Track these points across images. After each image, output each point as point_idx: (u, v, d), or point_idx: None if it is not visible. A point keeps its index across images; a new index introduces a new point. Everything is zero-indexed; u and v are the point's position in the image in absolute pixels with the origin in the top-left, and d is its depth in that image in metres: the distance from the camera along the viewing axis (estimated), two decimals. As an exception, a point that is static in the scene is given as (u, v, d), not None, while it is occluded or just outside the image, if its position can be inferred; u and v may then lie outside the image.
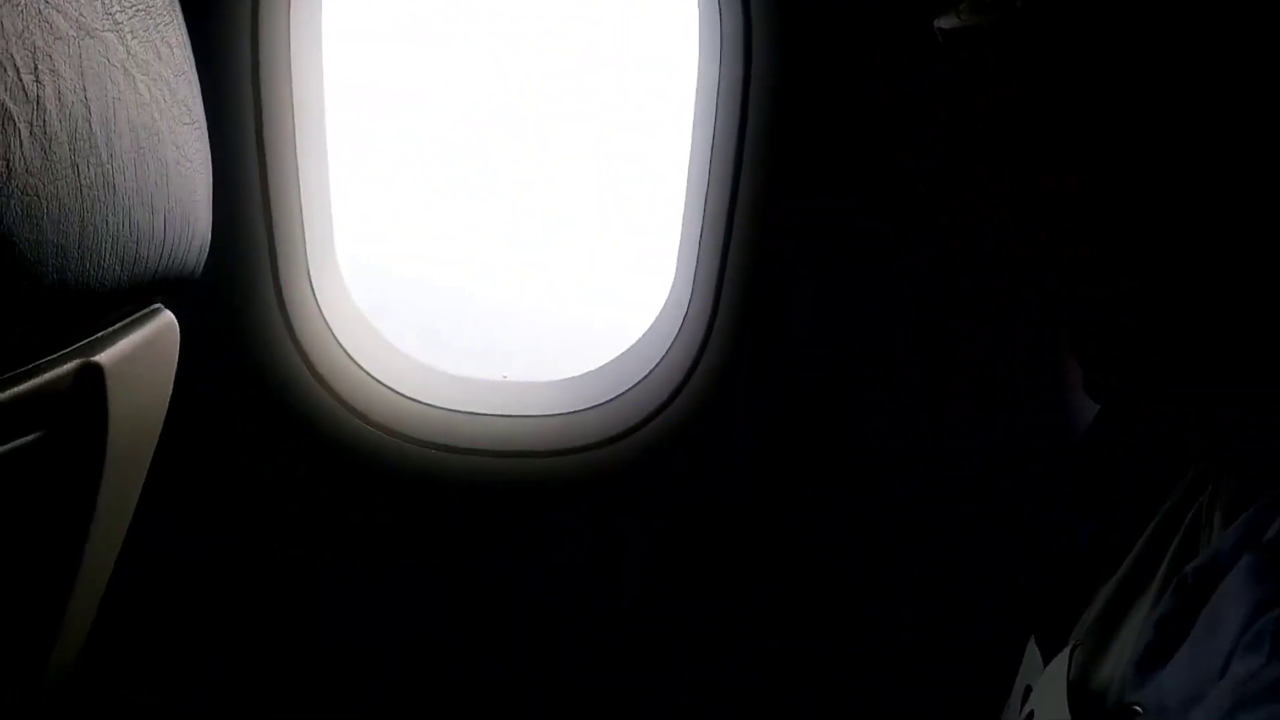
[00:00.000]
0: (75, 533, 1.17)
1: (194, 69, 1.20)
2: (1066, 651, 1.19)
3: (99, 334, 1.09)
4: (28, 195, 0.88)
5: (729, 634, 2.18)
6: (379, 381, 2.09)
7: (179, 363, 1.31)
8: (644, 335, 2.28)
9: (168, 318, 1.21)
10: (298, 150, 1.87)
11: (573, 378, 2.32)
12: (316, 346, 2.01)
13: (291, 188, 1.88)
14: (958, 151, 1.83)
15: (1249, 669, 0.78)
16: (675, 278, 2.21)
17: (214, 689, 2.13)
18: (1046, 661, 1.27)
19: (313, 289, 2.01)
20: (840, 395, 2.02)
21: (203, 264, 1.24)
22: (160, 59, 1.11)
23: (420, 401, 2.11)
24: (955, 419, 2.03)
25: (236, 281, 1.89)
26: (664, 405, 2.05)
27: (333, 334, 2.05)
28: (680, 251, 2.18)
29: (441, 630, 2.16)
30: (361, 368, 2.08)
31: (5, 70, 0.85)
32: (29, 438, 1.02)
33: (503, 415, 2.15)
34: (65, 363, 1.03)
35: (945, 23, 1.52)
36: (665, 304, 2.25)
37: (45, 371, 1.01)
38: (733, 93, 1.83)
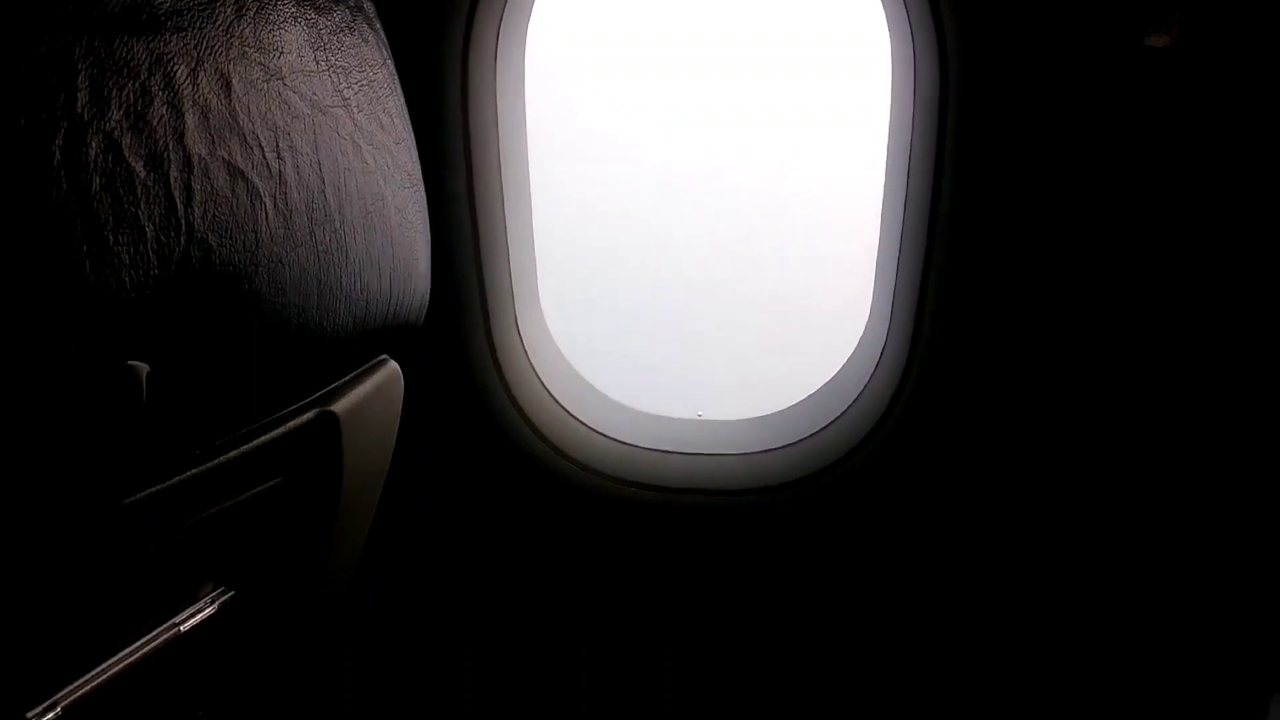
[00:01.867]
0: (317, 561, 1.27)
1: (412, 135, 1.30)
2: None
3: (333, 385, 1.19)
4: (273, 262, 0.97)
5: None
6: (580, 421, 2.16)
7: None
8: (839, 371, 2.25)
9: (393, 367, 1.30)
10: (505, 205, 1.97)
11: (767, 415, 2.31)
12: (523, 388, 2.09)
13: (500, 240, 1.98)
14: (1161, 166, 1.73)
15: None
16: (870, 314, 2.18)
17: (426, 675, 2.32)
18: None
19: (519, 333, 2.10)
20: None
21: (424, 315, 1.33)
22: (383, 129, 1.20)
23: (618, 440, 2.16)
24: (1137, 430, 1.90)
25: (452, 328, 2.00)
26: (862, 444, 2.02)
27: (538, 376, 2.13)
28: (876, 288, 2.14)
29: (615, 653, 2.22)
30: (564, 408, 2.15)
31: (252, 150, 0.95)
32: (273, 481, 1.12)
33: (696, 454, 2.17)
34: (304, 413, 1.13)
35: (1156, 41, 1.46)
36: (860, 340, 2.22)
37: (287, 421, 1.10)
38: (926, 130, 1.80)
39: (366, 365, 1.26)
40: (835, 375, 2.26)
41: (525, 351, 2.11)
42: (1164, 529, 1.91)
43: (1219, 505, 1.86)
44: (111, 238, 0.80)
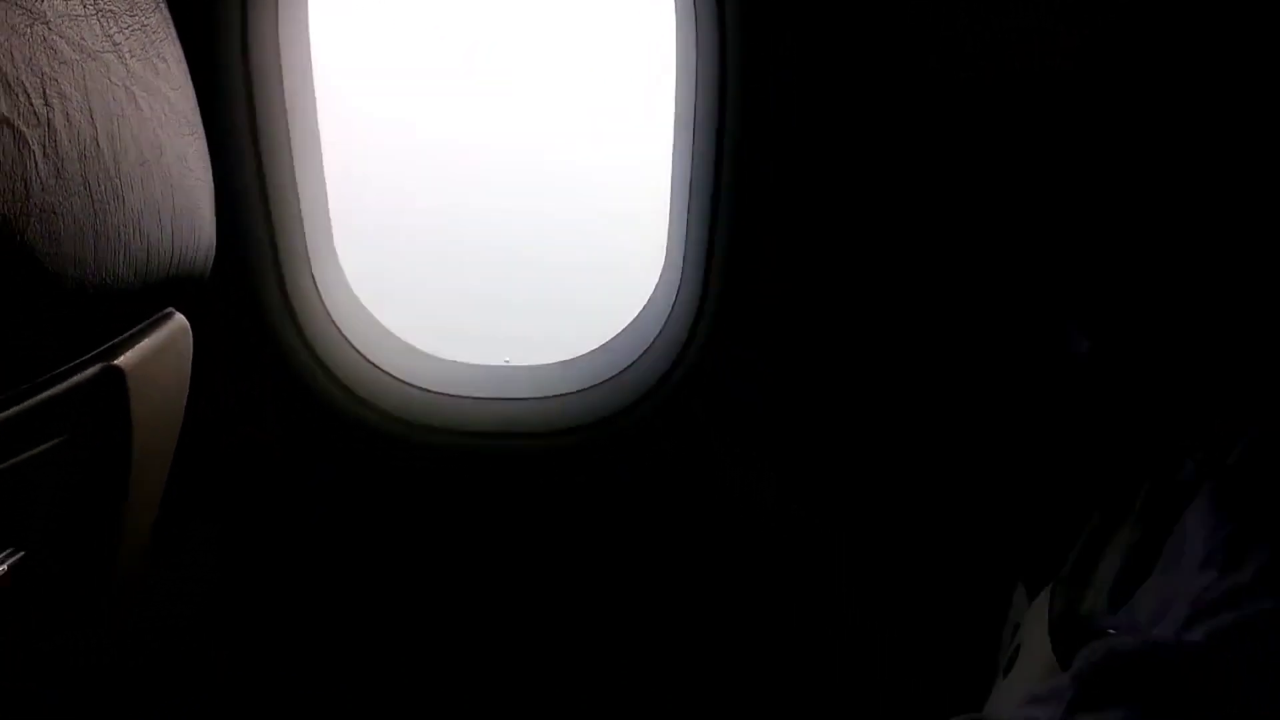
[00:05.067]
0: (110, 522, 1.24)
1: (190, 82, 1.26)
2: (1049, 589, 1.26)
3: (117, 339, 1.16)
4: (45, 212, 0.94)
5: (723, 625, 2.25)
6: (384, 371, 2.15)
7: (194, 360, 1.37)
8: (639, 315, 2.33)
9: (180, 321, 1.28)
10: (293, 152, 1.92)
11: (572, 359, 2.37)
12: (322, 340, 2.07)
13: (289, 188, 1.94)
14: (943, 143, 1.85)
15: (1203, 584, 0.86)
16: (666, 258, 2.26)
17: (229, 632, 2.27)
18: (1032, 599, 1.34)
19: (315, 284, 2.07)
20: (829, 369, 2.07)
21: (210, 267, 1.30)
22: (159, 75, 1.17)
23: (422, 387, 2.17)
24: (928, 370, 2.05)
25: (243, 281, 1.95)
26: (660, 382, 2.10)
27: (337, 327, 2.11)
28: (670, 232, 2.22)
29: (427, 604, 2.26)
30: (366, 358, 2.14)
31: (17, 96, 0.91)
32: (57, 440, 1.09)
33: (501, 399, 2.20)
34: (87, 368, 1.10)
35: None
36: (658, 284, 2.30)
37: (69, 377, 1.07)
38: (710, 84, 1.87)
39: (151, 319, 1.23)
40: (635, 317, 2.33)
41: (321, 299, 2.08)
42: (940, 482, 2.08)
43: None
44: None
